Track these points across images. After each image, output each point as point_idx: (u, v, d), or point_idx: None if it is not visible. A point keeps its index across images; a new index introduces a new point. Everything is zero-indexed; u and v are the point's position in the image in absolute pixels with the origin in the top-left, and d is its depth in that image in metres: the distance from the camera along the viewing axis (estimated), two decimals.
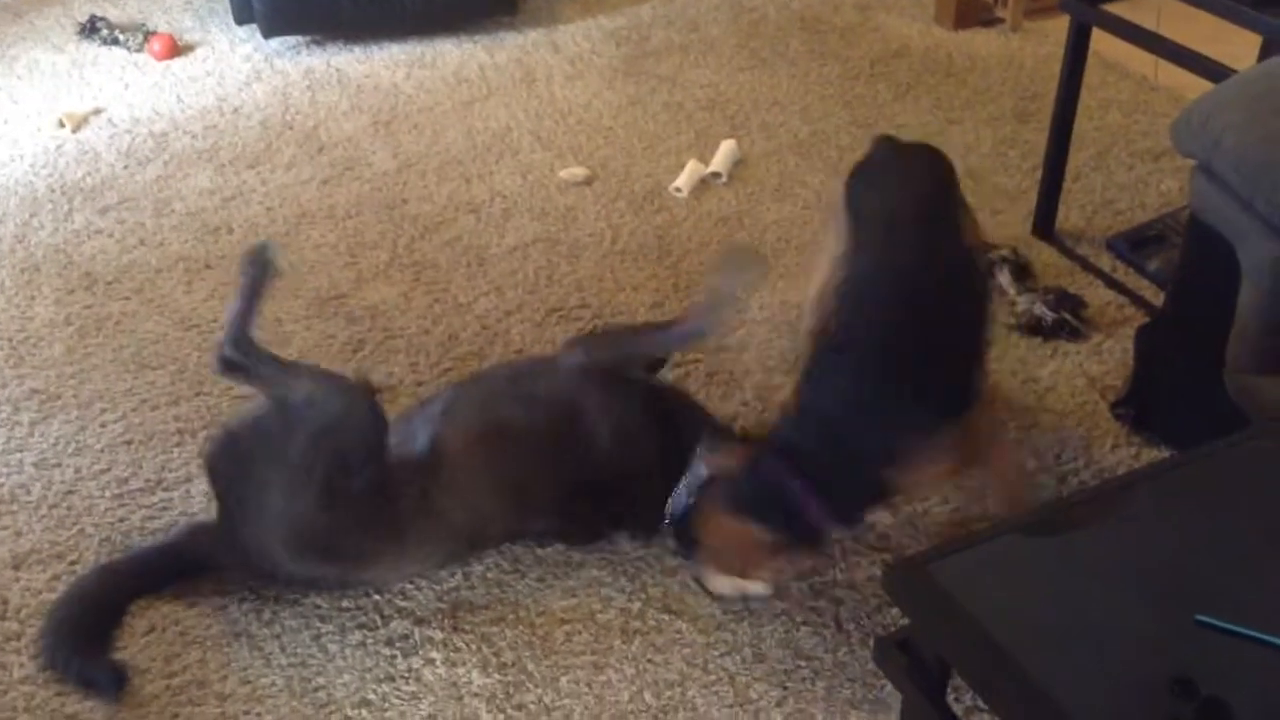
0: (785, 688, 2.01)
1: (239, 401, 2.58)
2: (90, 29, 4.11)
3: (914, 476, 2.03)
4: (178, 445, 2.48)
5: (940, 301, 2.04)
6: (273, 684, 2.02)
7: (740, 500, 2.00)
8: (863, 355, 2.01)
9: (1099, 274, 2.94)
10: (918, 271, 2.05)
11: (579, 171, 3.39)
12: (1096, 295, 2.86)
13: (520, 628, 2.12)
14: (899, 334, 2.01)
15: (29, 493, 2.38)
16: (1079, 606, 1.50)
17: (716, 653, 2.07)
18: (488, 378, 2.41)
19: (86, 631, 2.08)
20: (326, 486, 2.00)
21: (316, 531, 2.03)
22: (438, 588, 2.19)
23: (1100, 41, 2.91)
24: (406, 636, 2.10)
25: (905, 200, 2.19)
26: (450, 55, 3.99)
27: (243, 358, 2.12)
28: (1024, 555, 1.61)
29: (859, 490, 2.02)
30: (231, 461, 2.10)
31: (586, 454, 2.17)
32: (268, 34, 3.97)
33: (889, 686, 1.98)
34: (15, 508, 2.35)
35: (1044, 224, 3.08)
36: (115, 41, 4.06)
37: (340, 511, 2.03)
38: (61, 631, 2.07)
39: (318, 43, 4.05)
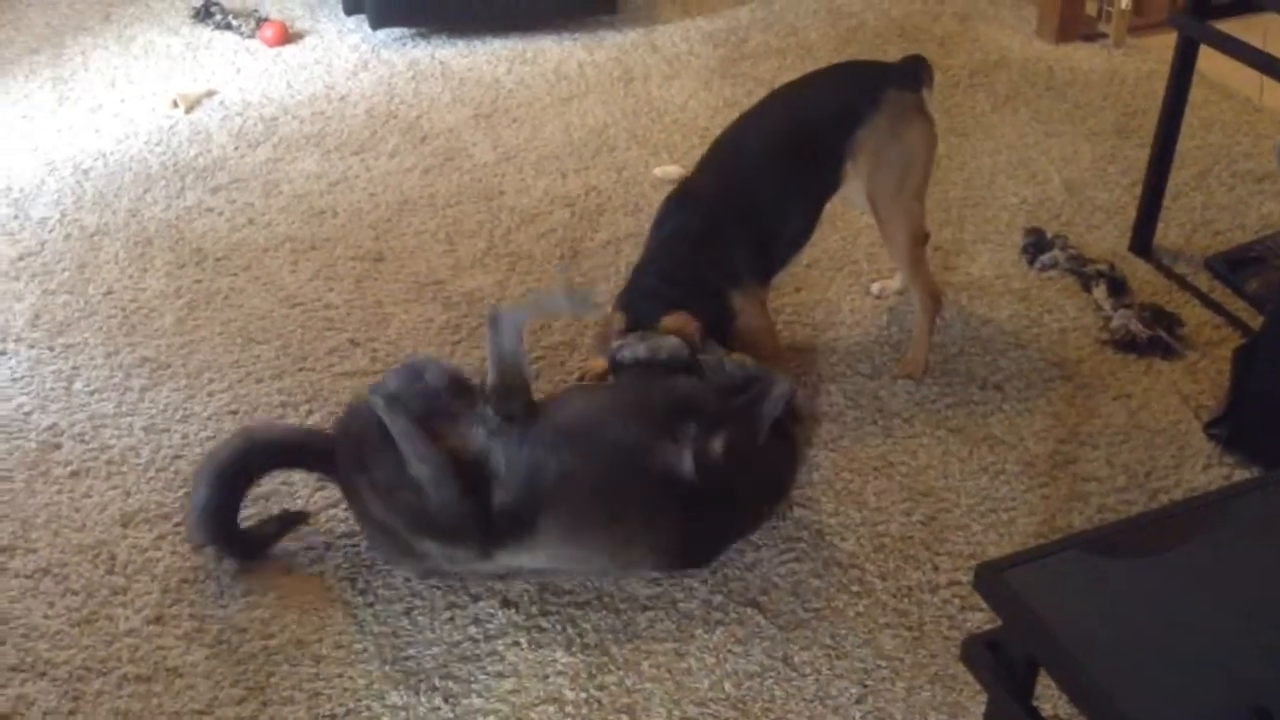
0: (865, 685, 2.03)
1: (341, 378, 2.67)
2: (205, 13, 4.25)
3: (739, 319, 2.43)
4: (280, 417, 2.56)
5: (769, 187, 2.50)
6: (365, 650, 2.09)
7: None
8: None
9: (1196, 293, 2.91)
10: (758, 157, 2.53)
11: (673, 169, 3.43)
12: (1193, 314, 2.84)
13: (604, 612, 2.16)
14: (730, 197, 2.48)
15: (138, 455, 2.48)
16: (1162, 623, 1.50)
17: (797, 647, 2.10)
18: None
19: (227, 501, 2.22)
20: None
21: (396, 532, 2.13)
22: None
23: (1205, 60, 2.89)
24: (493, 616, 2.15)
25: (775, 106, 2.65)
26: (551, 52, 4.06)
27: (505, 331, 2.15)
28: (1111, 566, 1.62)
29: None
30: (352, 432, 2.19)
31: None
32: (375, 25, 4.07)
33: (968, 690, 2.00)
34: (125, 469, 2.45)
35: (1142, 241, 3.06)
36: (228, 26, 4.19)
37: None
38: (210, 505, 2.20)
39: (423, 35, 4.15)
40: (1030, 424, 2.55)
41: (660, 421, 2.14)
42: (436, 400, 2.14)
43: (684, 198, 2.56)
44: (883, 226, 2.63)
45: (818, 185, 2.58)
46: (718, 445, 2.13)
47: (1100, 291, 2.87)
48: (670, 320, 2.34)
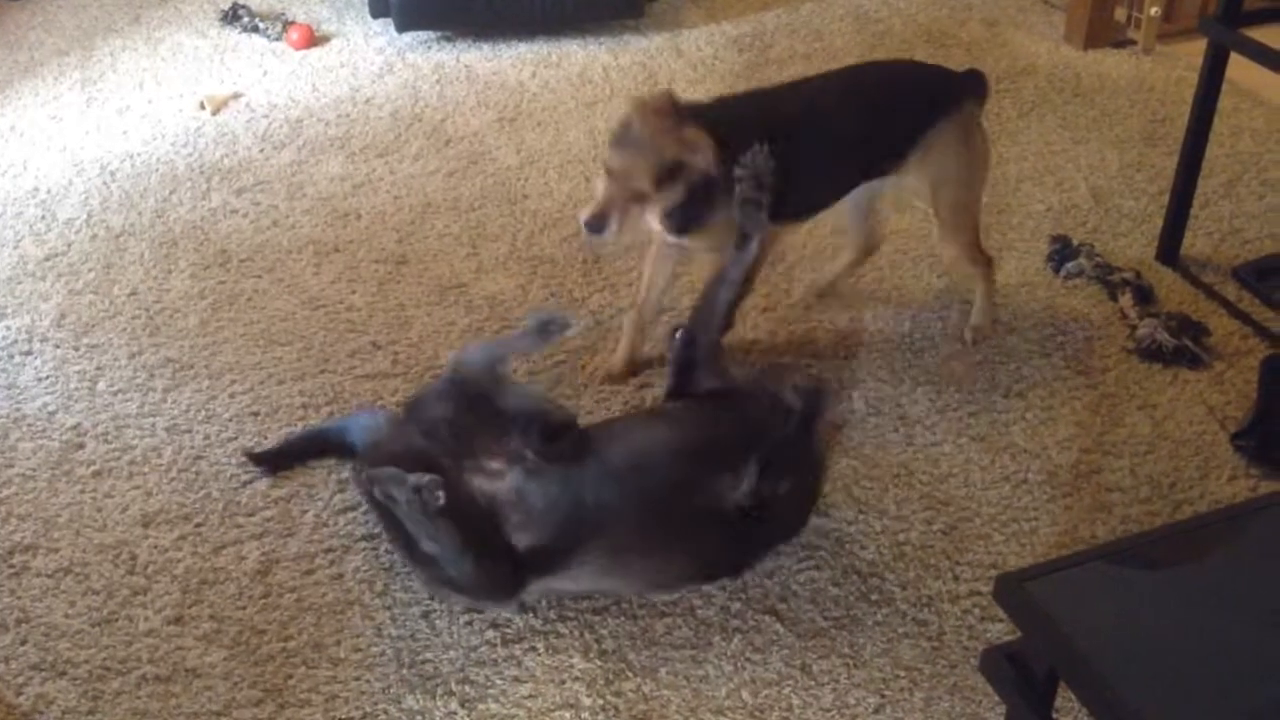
0: (883, 695, 2.02)
1: (363, 381, 2.68)
2: (232, 16, 4.28)
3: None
4: (301, 419, 2.57)
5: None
6: (382, 653, 2.09)
7: None
8: None
9: (1223, 302, 2.88)
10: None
11: None
12: (1220, 324, 2.81)
13: (622, 618, 2.16)
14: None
15: (160, 455, 2.49)
16: (1185, 636, 1.49)
17: (815, 656, 2.08)
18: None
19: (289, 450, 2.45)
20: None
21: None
22: None
23: (1235, 68, 2.86)
24: (510, 621, 2.15)
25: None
26: (575, 56, 4.06)
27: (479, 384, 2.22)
28: (1133, 578, 1.61)
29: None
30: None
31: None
32: (401, 28, 4.08)
33: (988, 701, 1.98)
34: (147, 469, 2.46)
35: (1169, 249, 3.03)
36: (255, 29, 4.21)
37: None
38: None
39: (448, 39, 4.16)
40: (1054, 433, 2.53)
41: (721, 457, 2.12)
42: (459, 430, 2.14)
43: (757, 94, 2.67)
44: (945, 230, 2.69)
45: (869, 162, 2.61)
46: (779, 478, 2.11)
47: (1126, 300, 2.84)
48: (691, 132, 2.36)
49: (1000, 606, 1.52)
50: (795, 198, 2.50)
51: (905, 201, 3.06)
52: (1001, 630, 2.08)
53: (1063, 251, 3.02)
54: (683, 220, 2.47)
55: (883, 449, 2.49)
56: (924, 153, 2.58)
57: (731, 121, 2.45)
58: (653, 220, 2.46)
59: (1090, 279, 2.95)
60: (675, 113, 2.40)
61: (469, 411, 2.18)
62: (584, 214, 2.39)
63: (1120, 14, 4.10)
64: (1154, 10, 3.98)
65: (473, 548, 2.05)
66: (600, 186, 2.41)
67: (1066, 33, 4.12)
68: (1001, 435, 2.53)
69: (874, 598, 2.18)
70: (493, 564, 2.06)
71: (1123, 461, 2.46)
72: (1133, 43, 4.07)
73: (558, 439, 2.11)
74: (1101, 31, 4.06)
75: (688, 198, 2.42)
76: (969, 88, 2.66)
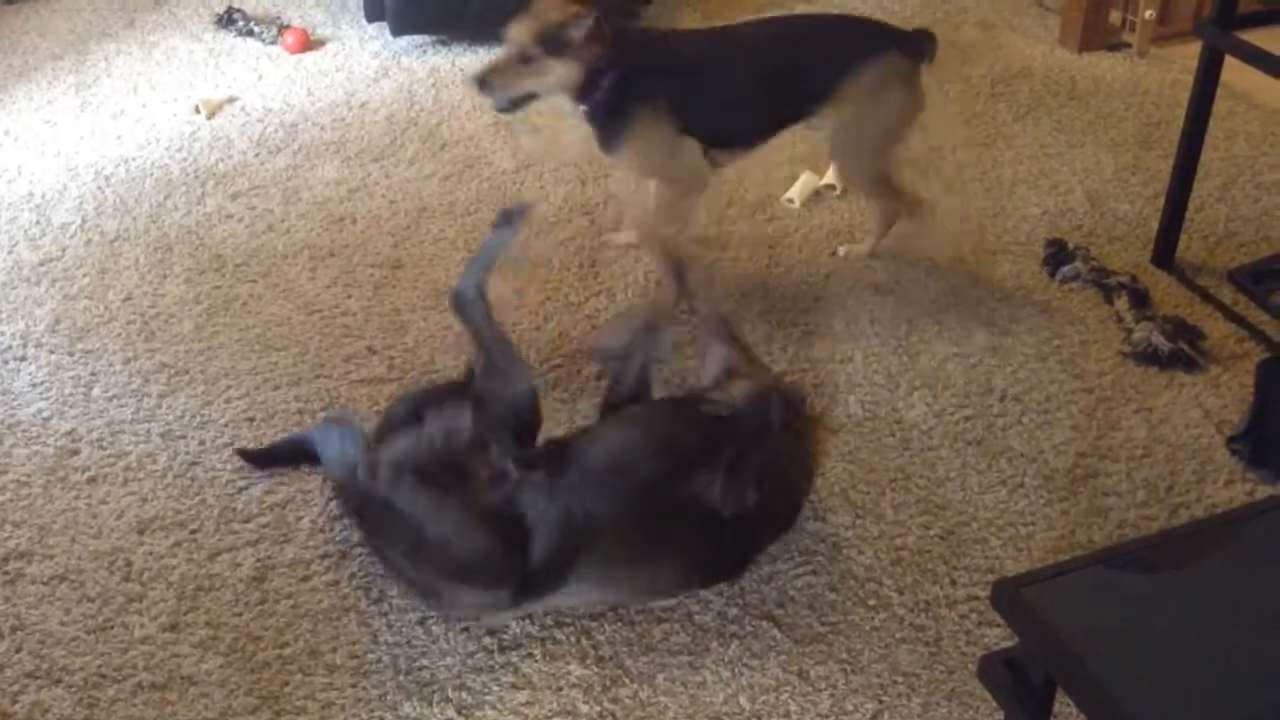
0: (881, 701, 2.02)
1: (358, 385, 2.67)
2: (227, 20, 4.27)
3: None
4: (297, 424, 2.56)
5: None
6: (379, 660, 2.09)
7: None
8: None
9: (1219, 306, 2.88)
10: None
11: None
12: (1216, 327, 2.81)
13: (619, 624, 2.15)
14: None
15: (155, 461, 2.49)
16: (1183, 643, 1.49)
17: (812, 661, 2.08)
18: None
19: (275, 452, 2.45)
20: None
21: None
22: None
23: (1230, 71, 2.86)
24: (507, 627, 2.14)
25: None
26: None
27: (470, 304, 2.34)
28: (1131, 584, 1.61)
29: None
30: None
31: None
32: (396, 32, 4.08)
33: (985, 707, 1.98)
34: (142, 475, 2.46)
35: (1164, 253, 3.03)
36: (250, 33, 4.20)
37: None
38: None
39: (443, 42, 4.15)
40: (1050, 437, 2.53)
41: (695, 451, 2.14)
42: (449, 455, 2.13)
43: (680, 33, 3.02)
44: (839, 162, 2.96)
45: (789, 102, 2.80)
46: (744, 489, 2.12)
47: (1122, 304, 2.84)
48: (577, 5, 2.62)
49: (997, 612, 1.52)
50: (711, 122, 2.75)
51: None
52: (999, 636, 2.08)
53: (1058, 255, 3.02)
54: (607, 128, 2.72)
55: (879, 453, 2.49)
56: (836, 99, 2.75)
57: (651, 42, 2.86)
58: (578, 109, 2.71)
59: (1086, 283, 2.95)
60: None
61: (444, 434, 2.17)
62: (474, 73, 2.67)
63: (1115, 17, 4.10)
64: (1149, 13, 3.99)
65: (481, 521, 2.05)
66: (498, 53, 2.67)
67: (1061, 36, 4.12)
68: (998, 439, 2.53)
69: (871, 603, 2.18)
70: (504, 542, 2.04)
71: (1119, 465, 2.46)
72: (1127, 46, 4.08)
73: (533, 444, 2.12)
74: (1096, 35, 4.06)
75: (600, 92, 2.66)
76: (895, 41, 2.77)
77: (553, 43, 2.60)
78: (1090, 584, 1.55)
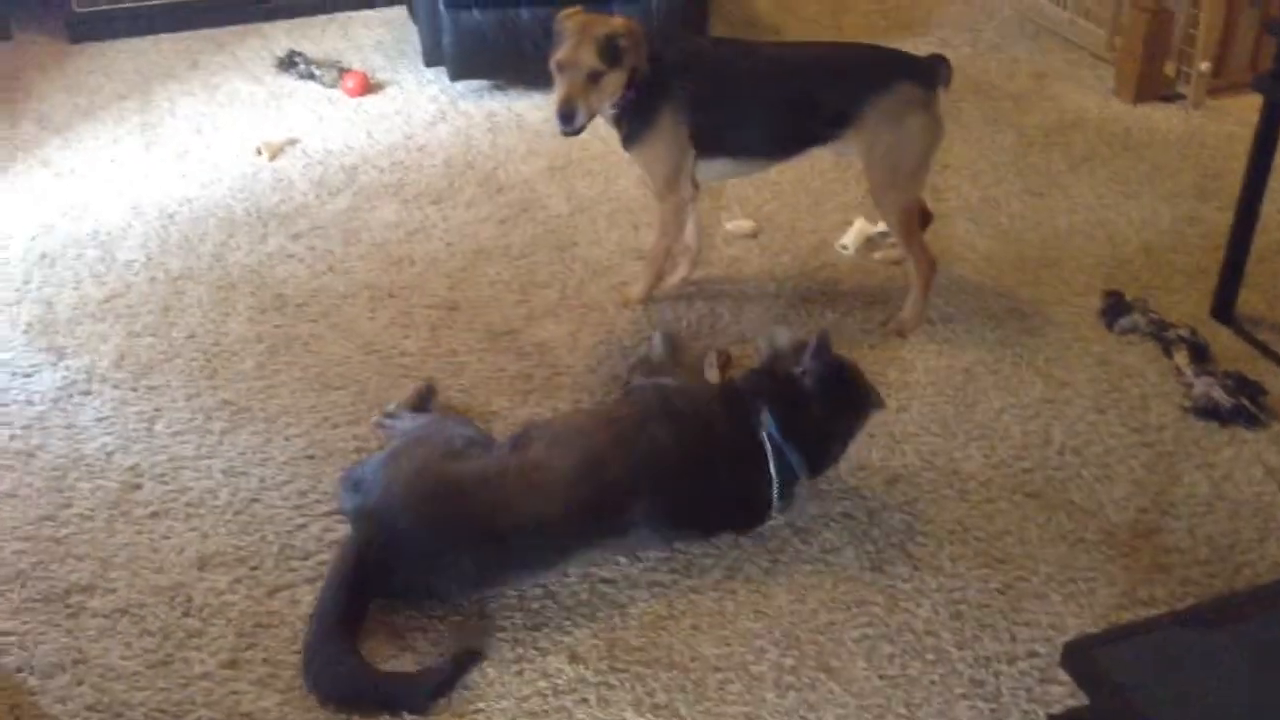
0: None
1: None
2: (289, 63, 4.35)
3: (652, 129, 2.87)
4: (355, 462, 2.58)
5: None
6: (434, 702, 2.08)
7: None
8: None
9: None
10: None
11: (745, 224, 3.44)
12: (1277, 383, 2.78)
13: (674, 671, 2.15)
14: None
15: (216, 498, 2.52)
16: (1255, 708, 1.47)
17: (870, 715, 2.06)
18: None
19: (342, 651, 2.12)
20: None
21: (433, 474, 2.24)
22: (594, 625, 2.23)
23: None
24: (561, 671, 2.14)
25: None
26: None
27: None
28: (1202, 646, 1.58)
29: None
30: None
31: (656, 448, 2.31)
32: (454, 77, 4.14)
33: None
34: (203, 511, 2.49)
35: (1223, 306, 3.01)
36: (311, 76, 4.29)
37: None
38: (324, 656, 2.12)
39: (500, 88, 4.21)
40: (1110, 491, 2.51)
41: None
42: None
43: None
44: (874, 199, 2.96)
45: (805, 126, 2.89)
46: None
47: (1181, 357, 2.82)
48: (615, 17, 2.79)
49: (1068, 673, 1.51)
50: (729, 128, 2.87)
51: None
52: (1061, 693, 2.05)
53: (1116, 307, 3.01)
54: (632, 125, 2.84)
55: (937, 504, 2.48)
56: (857, 126, 2.83)
57: (680, 45, 2.96)
58: (608, 111, 2.81)
59: (1144, 335, 2.93)
60: (595, 11, 2.80)
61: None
62: (554, 109, 2.72)
63: (1169, 69, 4.10)
64: (1204, 65, 3.98)
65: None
66: (559, 83, 2.73)
67: (1115, 86, 4.12)
68: (1057, 492, 2.51)
69: (929, 657, 2.16)
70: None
71: (1181, 522, 2.43)
72: (1182, 97, 4.07)
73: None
74: (1151, 86, 4.06)
75: (636, 97, 2.78)
76: (907, 71, 2.83)
77: (612, 55, 2.70)
78: (1162, 645, 1.53)
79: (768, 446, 2.33)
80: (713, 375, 2.80)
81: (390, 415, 2.62)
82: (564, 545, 2.26)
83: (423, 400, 2.70)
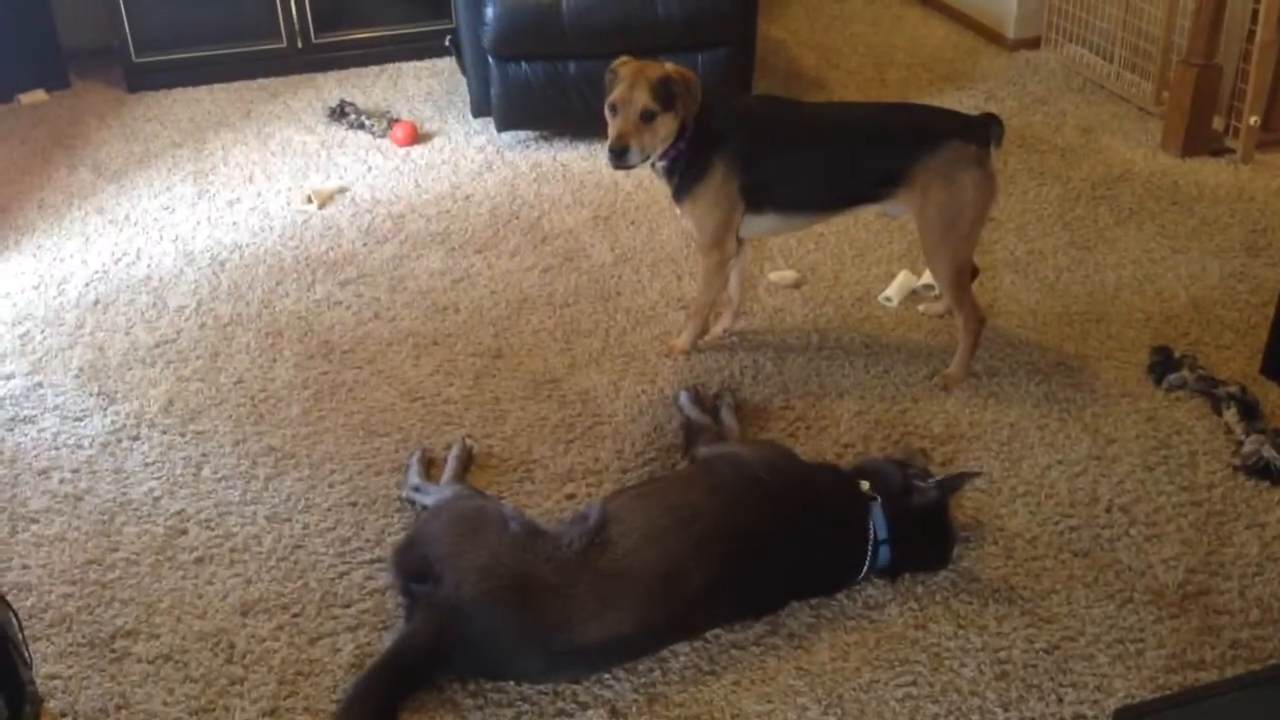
0: None
1: None
2: (339, 113, 4.43)
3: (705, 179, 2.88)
4: (399, 510, 2.60)
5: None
6: None
7: None
8: None
9: None
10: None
11: (788, 274, 3.45)
12: None
13: None
14: None
15: (260, 543, 2.53)
16: None
17: None
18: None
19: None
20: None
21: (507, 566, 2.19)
22: (635, 679, 2.21)
23: None
24: None
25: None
26: None
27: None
28: (1254, 715, 1.55)
29: None
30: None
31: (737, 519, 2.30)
32: (501, 127, 4.20)
33: None
34: (247, 557, 2.50)
35: (1274, 363, 2.96)
36: (361, 126, 4.36)
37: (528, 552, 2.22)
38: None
39: (545, 138, 4.26)
40: (1159, 550, 2.47)
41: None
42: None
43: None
44: (927, 257, 2.97)
45: (853, 185, 2.91)
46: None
47: (1231, 414, 2.78)
48: (669, 64, 2.83)
49: None
50: (779, 184, 2.89)
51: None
52: None
53: (1164, 363, 2.98)
54: (683, 179, 2.86)
55: (981, 562, 2.45)
56: (908, 186, 2.83)
57: (731, 101, 3.08)
58: (659, 165, 2.85)
59: (1193, 391, 2.90)
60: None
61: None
62: (608, 144, 2.76)
63: (1218, 123, 4.08)
64: (1253, 120, 3.96)
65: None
66: (612, 123, 2.77)
67: (1163, 140, 4.10)
68: (1105, 551, 2.47)
69: (974, 718, 2.13)
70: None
71: (1231, 583, 2.39)
72: (1231, 151, 4.04)
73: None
74: (1199, 140, 4.04)
75: (688, 150, 2.81)
76: (958, 129, 2.83)
77: (666, 98, 2.73)
78: (1214, 714, 1.50)
79: (871, 540, 2.33)
80: (730, 418, 2.79)
81: (417, 489, 2.60)
82: (637, 652, 2.25)
83: (464, 467, 2.68)
